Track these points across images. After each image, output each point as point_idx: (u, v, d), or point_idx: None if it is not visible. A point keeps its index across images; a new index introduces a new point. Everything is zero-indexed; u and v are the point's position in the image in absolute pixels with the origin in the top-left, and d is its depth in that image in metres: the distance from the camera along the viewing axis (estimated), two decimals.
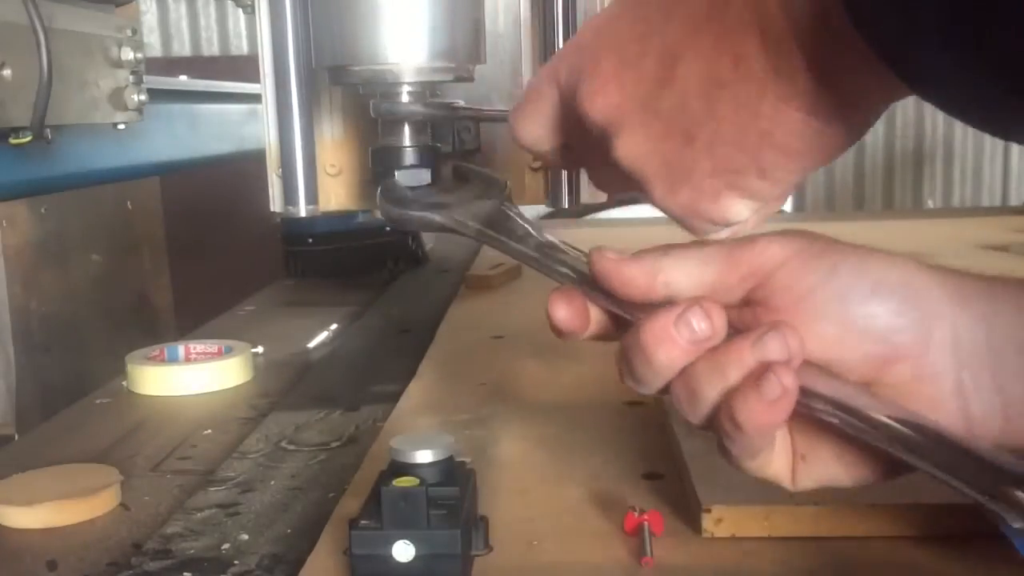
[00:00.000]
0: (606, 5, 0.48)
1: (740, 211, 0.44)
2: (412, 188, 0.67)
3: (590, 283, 0.47)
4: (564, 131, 0.50)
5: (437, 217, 0.58)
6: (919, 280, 0.44)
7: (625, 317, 0.46)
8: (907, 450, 0.41)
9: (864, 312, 0.43)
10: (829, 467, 0.45)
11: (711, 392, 0.42)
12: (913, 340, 0.43)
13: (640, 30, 0.43)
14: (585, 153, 0.50)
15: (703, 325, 0.42)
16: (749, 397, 0.41)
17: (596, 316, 0.47)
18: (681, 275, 0.44)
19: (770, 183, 0.43)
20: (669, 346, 0.42)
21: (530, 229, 0.52)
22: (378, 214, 0.64)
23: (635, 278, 0.45)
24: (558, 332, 0.48)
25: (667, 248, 0.45)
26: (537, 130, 0.51)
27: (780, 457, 0.46)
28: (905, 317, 0.43)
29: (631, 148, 0.44)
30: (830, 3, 0.36)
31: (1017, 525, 0.38)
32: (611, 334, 0.48)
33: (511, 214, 0.55)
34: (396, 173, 0.69)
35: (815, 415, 0.43)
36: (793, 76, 0.39)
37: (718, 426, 0.43)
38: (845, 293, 0.43)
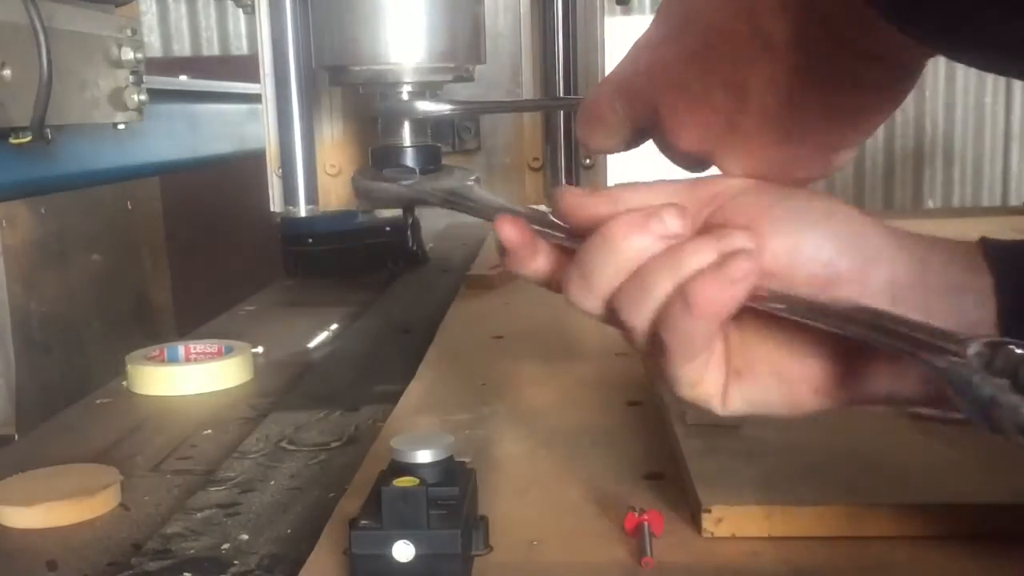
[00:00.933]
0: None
1: (848, 157, 0.48)
2: (386, 171, 0.69)
3: (549, 223, 0.49)
4: (637, 141, 0.53)
5: (402, 189, 0.62)
6: (862, 223, 0.46)
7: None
8: (863, 327, 0.42)
9: (813, 234, 0.45)
10: (765, 387, 0.46)
11: (665, 284, 0.43)
12: (854, 271, 0.45)
13: (695, 66, 0.46)
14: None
15: (676, 222, 0.44)
16: (708, 277, 0.42)
17: (547, 253, 0.49)
18: (644, 204, 0.46)
19: (864, 132, 0.47)
20: (639, 235, 0.44)
21: (494, 197, 0.56)
22: (380, 212, 0.67)
23: (599, 206, 0.47)
24: (504, 252, 0.49)
25: (628, 183, 0.48)
26: (608, 143, 0.55)
27: (713, 374, 0.46)
28: (848, 253, 0.45)
29: (735, 166, 0.48)
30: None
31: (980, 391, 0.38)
32: (558, 277, 0.49)
33: (474, 187, 0.60)
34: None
35: (769, 309, 0.44)
36: (841, 75, 0.43)
37: (663, 323, 0.44)
38: (798, 215, 0.45)
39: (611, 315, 0.46)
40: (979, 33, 0.35)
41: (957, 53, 0.38)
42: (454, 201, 0.58)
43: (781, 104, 0.45)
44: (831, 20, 0.41)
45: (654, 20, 0.51)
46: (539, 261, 0.49)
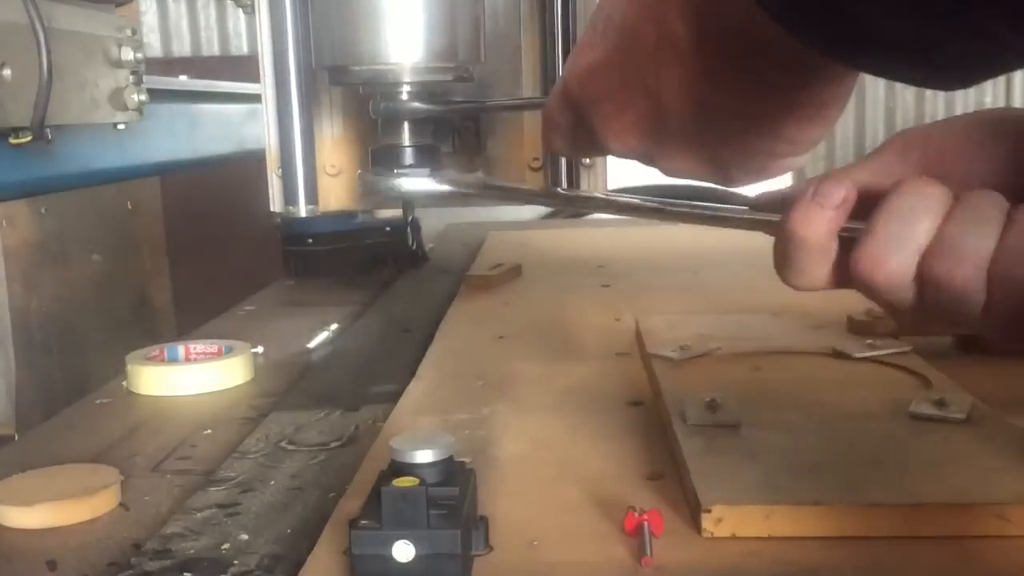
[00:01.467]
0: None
1: (794, 166, 0.46)
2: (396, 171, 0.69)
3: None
4: (590, 147, 0.53)
5: (433, 181, 0.60)
6: None
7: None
8: None
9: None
10: None
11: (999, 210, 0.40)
12: None
13: (616, 71, 0.46)
14: None
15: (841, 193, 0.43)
16: None
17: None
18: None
19: (798, 143, 0.45)
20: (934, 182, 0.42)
21: (519, 184, 0.56)
22: (380, 213, 0.67)
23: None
24: (824, 206, 0.44)
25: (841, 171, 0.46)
26: (565, 149, 0.56)
27: None
28: None
29: (674, 170, 0.48)
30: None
31: None
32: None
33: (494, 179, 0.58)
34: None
35: None
36: (751, 81, 0.41)
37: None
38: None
39: (923, 279, 0.41)
40: (866, 32, 0.34)
41: (853, 59, 0.37)
42: (489, 189, 0.57)
43: (696, 109, 0.44)
44: (735, 23, 0.40)
45: (591, 16, 0.50)
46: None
